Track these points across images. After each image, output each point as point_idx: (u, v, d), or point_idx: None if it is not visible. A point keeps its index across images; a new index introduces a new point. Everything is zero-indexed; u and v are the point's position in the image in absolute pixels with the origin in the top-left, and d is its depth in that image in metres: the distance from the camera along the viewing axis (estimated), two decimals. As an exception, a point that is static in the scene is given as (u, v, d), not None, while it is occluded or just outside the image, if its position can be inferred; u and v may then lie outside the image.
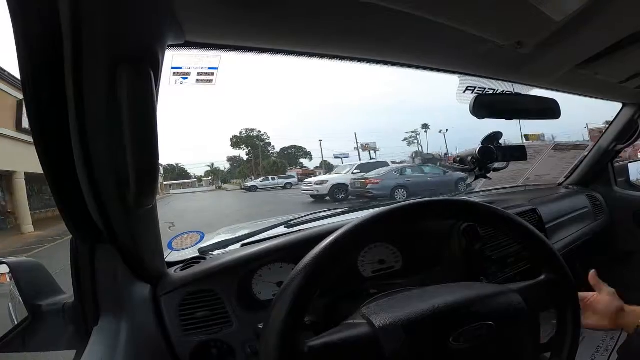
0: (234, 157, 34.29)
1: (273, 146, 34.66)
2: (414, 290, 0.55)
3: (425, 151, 31.23)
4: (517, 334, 0.52)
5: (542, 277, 0.57)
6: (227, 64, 0.62)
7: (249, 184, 22.79)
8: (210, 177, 34.12)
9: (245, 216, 7.52)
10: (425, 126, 33.27)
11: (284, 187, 20.43)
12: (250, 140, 33.95)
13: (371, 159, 30.08)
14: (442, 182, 9.38)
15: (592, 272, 0.75)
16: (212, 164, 34.96)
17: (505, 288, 0.54)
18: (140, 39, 0.43)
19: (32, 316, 0.64)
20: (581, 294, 0.73)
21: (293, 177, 24.10)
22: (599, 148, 1.56)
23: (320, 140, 33.33)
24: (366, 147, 29.33)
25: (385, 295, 0.57)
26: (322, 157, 31.04)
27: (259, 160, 31.72)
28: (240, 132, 34.29)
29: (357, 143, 30.31)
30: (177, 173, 34.55)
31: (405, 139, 34.41)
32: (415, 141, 33.72)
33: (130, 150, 0.45)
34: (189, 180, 34.06)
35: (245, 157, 33.76)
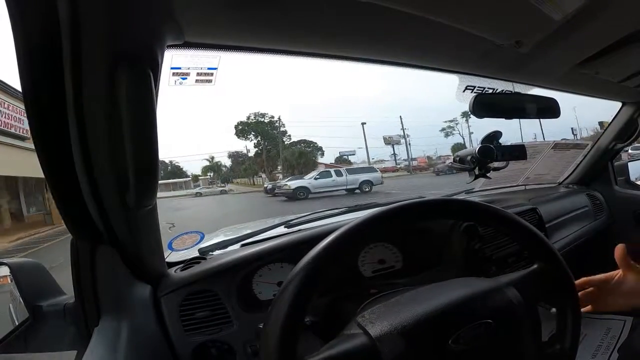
0: (236, 152, 28.45)
1: (289, 135, 26.83)
2: (406, 292, 0.54)
3: (467, 143, 27.82)
4: (517, 330, 0.51)
5: (535, 266, 0.56)
6: (227, 58, 0.62)
7: (294, 183, 12.91)
8: (208, 175, 29.18)
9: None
10: (466, 114, 27.00)
11: (358, 189, 12.15)
12: (261, 127, 26.22)
13: (393, 153, 27.50)
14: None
15: (619, 246, 0.64)
16: (212, 158, 29.17)
17: (499, 282, 0.53)
18: (139, 39, 0.43)
19: (33, 317, 0.64)
20: (605, 274, 0.67)
21: (374, 170, 14.67)
22: (599, 147, 1.56)
23: (364, 123, 26.68)
24: (389, 141, 27.95)
25: (379, 298, 0.56)
26: (366, 145, 26.60)
27: (278, 150, 24.96)
28: (248, 118, 26.57)
29: (403, 129, 27.39)
30: (171, 171, 29.35)
31: (443, 129, 30.40)
32: (455, 132, 30.10)
33: (129, 151, 0.45)
34: (180, 180, 28.64)
35: (252, 150, 27.16)
